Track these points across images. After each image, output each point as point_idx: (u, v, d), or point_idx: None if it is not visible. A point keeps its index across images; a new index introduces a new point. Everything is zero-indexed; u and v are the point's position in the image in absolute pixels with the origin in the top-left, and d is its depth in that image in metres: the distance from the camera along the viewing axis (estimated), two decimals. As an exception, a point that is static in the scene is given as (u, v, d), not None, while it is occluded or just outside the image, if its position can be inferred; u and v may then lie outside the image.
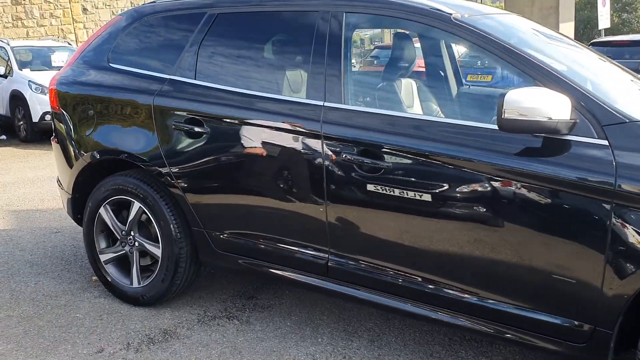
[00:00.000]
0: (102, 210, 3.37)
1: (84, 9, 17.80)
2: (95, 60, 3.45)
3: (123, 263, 3.48)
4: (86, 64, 3.49)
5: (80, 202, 3.56)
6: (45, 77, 9.37)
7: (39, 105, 9.09)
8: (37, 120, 9.14)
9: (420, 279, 2.51)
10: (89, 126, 3.35)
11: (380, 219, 2.54)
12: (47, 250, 4.38)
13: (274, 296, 3.54)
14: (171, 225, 3.14)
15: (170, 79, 3.11)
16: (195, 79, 3.06)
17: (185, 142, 3.00)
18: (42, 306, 3.42)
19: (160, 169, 3.07)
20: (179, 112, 3.02)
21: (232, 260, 3.05)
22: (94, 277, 3.78)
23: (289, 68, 2.96)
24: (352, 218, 2.60)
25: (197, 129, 2.95)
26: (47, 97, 8.98)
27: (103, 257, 3.45)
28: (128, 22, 3.38)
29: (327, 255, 2.73)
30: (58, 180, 3.84)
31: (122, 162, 3.34)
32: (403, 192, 2.44)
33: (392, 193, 2.46)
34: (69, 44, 11.56)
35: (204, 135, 2.94)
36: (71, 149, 3.46)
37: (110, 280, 3.45)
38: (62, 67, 10.18)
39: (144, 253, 3.36)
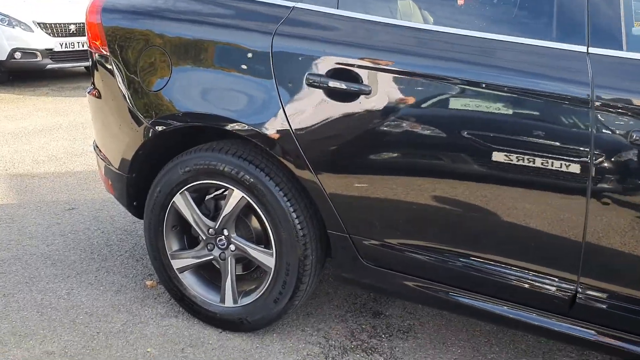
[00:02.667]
0: (178, 199, 2.34)
1: None
2: (160, -23, 2.33)
3: (207, 271, 2.47)
4: (145, -16, 2.36)
5: (139, 185, 2.50)
6: (11, 5, 7.91)
7: (7, 41, 7.67)
8: (4, 59, 7.73)
9: None
10: (159, 78, 2.27)
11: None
12: (67, 238, 3.30)
13: (406, 311, 2.62)
14: (294, 226, 2.14)
15: (297, 7, 2.06)
16: (338, 8, 2.01)
17: (327, 106, 1.97)
18: (89, 334, 2.40)
19: (283, 144, 2.04)
20: (317, 61, 1.98)
21: (394, 281, 2.09)
22: (149, 282, 2.77)
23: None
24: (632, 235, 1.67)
25: (350, 87, 1.92)
26: (15, 31, 7.58)
27: (177, 264, 2.44)
28: None
29: (574, 287, 1.79)
30: (96, 147, 2.75)
31: (212, 131, 2.30)
32: None
33: None
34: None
35: (362, 96, 1.92)
36: (127, 111, 2.37)
37: (188, 295, 2.44)
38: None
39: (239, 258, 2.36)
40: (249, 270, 2.51)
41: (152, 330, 2.43)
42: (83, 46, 8.00)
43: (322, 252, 2.26)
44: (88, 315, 2.53)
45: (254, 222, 2.36)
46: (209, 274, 2.51)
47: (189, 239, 2.50)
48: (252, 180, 2.16)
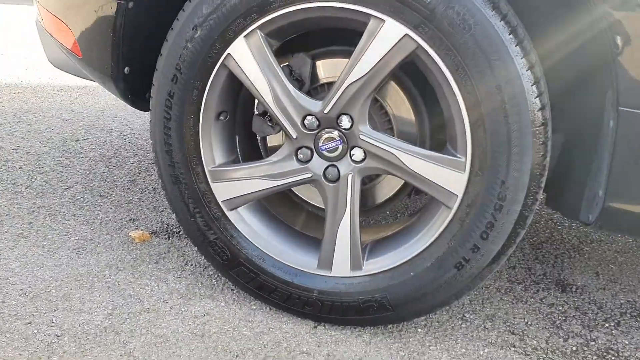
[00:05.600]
0: (238, 50, 1.07)
1: None
2: None
3: (287, 207, 1.24)
4: None
5: (140, 25, 1.20)
6: None
7: None
8: None
9: None
10: None
11: None
12: (-35, 160, 1.90)
13: (605, 279, 1.52)
14: (530, 110, 0.94)
15: None
16: None
17: None
18: None
19: None
20: None
21: None
22: (136, 232, 1.52)
23: None
24: None
25: None
26: None
27: (224, 191, 1.18)
28: None
29: None
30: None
31: None
32: None
33: None
34: None
35: None
36: None
37: (245, 255, 1.18)
38: None
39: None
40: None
41: (173, 325, 1.16)
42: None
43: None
44: (30, 323, 1.21)
45: (396, 108, 1.14)
46: (284, 212, 1.26)
47: (245, 142, 1.24)
48: (433, 0, 0.93)
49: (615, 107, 0.96)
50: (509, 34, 0.96)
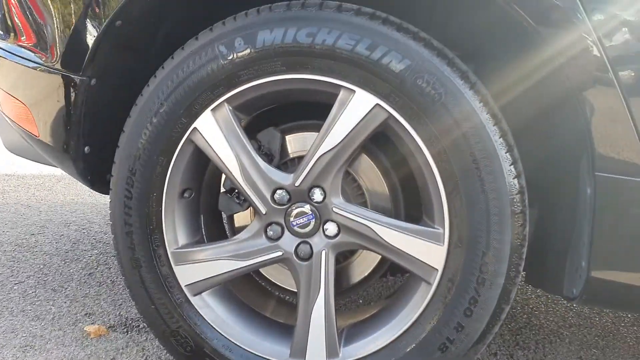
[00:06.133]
0: (205, 124, 1.04)
1: None
2: None
3: (256, 292, 1.16)
4: None
5: (103, 103, 1.16)
6: None
7: None
8: None
9: None
10: None
11: None
12: None
13: None
14: (506, 184, 0.92)
15: None
16: None
17: None
18: None
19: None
20: None
21: None
22: (91, 327, 1.38)
23: None
24: None
25: None
26: None
27: (187, 274, 1.10)
28: None
29: None
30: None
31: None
32: None
33: None
34: None
35: None
36: None
37: (210, 344, 1.09)
38: None
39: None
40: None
41: None
42: None
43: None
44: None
45: (369, 181, 1.11)
46: (252, 298, 1.18)
47: (210, 222, 1.18)
48: (401, 71, 0.93)
49: (591, 173, 0.94)
50: (479, 102, 0.95)
